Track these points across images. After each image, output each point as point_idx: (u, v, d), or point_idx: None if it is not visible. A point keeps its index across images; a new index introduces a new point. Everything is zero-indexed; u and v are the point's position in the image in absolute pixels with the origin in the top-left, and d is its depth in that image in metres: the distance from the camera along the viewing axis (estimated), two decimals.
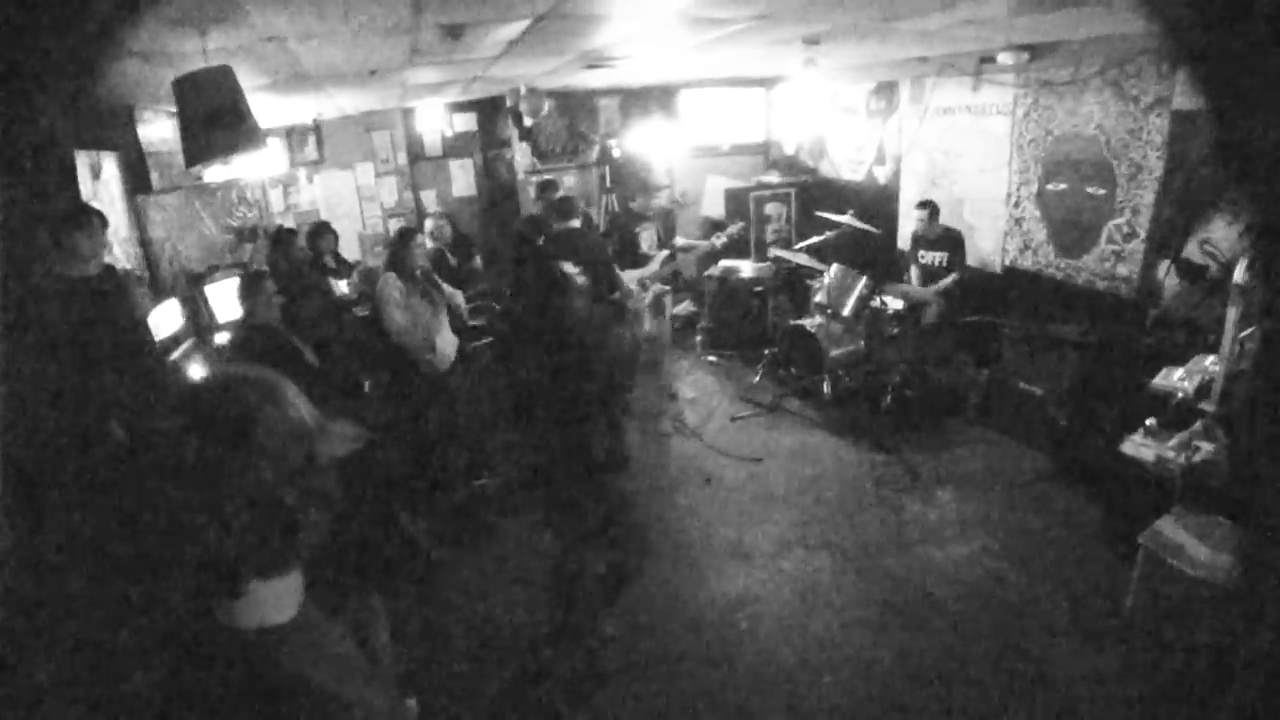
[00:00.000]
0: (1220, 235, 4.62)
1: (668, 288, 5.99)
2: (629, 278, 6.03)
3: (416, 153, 8.41)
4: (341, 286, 6.21)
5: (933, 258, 6.42)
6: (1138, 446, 3.95)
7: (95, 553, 1.73)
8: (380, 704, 1.12)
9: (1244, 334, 3.62)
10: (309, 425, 1.04)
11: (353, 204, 8.23)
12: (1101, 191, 5.39)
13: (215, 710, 0.94)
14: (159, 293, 5.15)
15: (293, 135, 7.81)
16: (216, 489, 0.93)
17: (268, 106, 5.42)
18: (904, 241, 7.15)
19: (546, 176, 7.07)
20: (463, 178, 8.68)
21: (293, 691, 0.97)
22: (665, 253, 6.26)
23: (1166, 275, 4.95)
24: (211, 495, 0.93)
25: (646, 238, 6.23)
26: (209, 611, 0.99)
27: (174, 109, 2.76)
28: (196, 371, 4.67)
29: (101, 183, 4.57)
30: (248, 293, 4.13)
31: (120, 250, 4.71)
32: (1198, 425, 3.80)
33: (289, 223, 7.16)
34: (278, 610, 1.03)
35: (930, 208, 6.35)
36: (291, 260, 5.78)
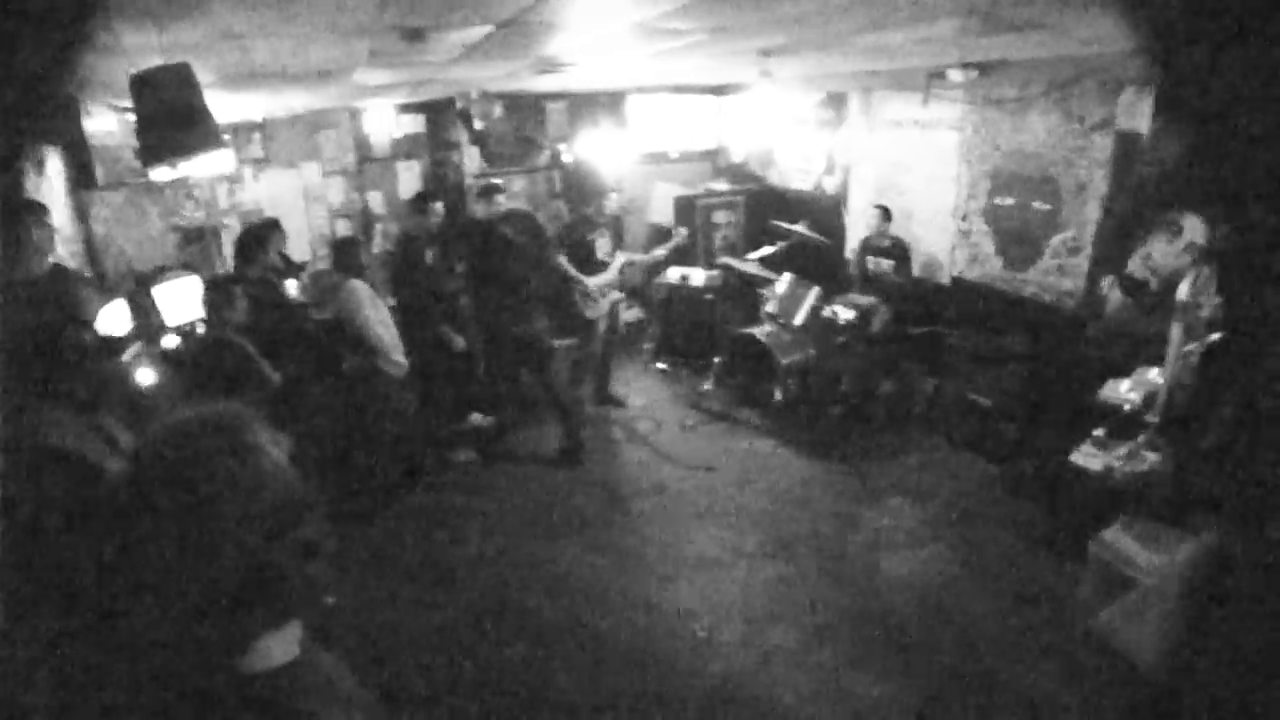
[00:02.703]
0: (1160, 252, 4.77)
1: (623, 295, 5.96)
2: (591, 284, 6.01)
3: (364, 153, 8.22)
4: (291, 288, 5.99)
5: (880, 264, 6.53)
6: (1086, 456, 4.06)
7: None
8: None
9: (1187, 348, 3.75)
10: (286, 468, 0.95)
11: (299, 204, 7.99)
12: (1047, 207, 5.54)
13: None
14: (104, 292, 4.95)
15: (238, 132, 7.55)
16: (192, 565, 0.86)
17: (216, 103, 5.23)
18: (852, 251, 7.25)
19: (493, 181, 6.91)
20: (410, 179, 8.50)
21: None
22: (623, 259, 6.24)
23: (1110, 289, 5.10)
24: (189, 570, 0.86)
25: (602, 245, 6.18)
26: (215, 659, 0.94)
27: (121, 102, 2.65)
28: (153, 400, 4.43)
29: (45, 177, 4.39)
30: (218, 302, 3.95)
31: (63, 248, 4.54)
32: (1143, 436, 3.92)
33: (233, 221, 6.93)
34: (283, 650, 0.99)
35: (885, 211, 6.48)
36: (261, 267, 5.55)
